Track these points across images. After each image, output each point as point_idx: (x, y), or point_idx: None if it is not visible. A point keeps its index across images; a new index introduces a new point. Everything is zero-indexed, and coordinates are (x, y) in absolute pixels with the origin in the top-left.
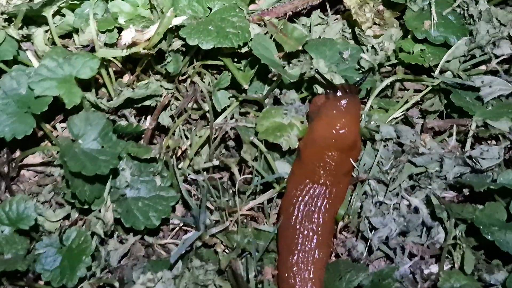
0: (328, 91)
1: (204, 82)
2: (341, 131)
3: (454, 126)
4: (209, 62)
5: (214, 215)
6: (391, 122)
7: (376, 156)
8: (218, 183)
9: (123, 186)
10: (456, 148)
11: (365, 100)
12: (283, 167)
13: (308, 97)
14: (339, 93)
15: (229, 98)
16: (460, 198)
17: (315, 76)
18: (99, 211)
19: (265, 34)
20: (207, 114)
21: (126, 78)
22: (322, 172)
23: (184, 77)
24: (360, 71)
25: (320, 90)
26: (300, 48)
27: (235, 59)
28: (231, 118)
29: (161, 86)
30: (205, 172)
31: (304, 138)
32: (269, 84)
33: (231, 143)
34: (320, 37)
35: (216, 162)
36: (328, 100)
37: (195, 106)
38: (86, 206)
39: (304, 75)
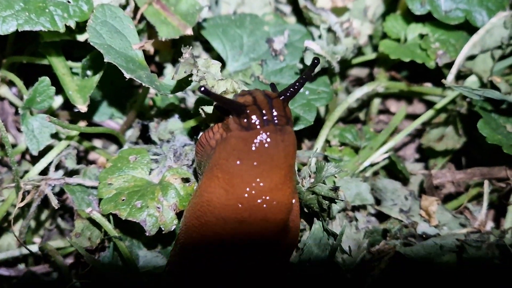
0: (228, 115)
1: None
2: (255, 201)
3: (485, 182)
4: (22, 60)
5: None
6: (365, 174)
7: (331, 245)
8: (42, 282)
9: None
10: (487, 223)
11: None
12: (151, 265)
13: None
14: (249, 120)
15: (51, 135)
16: None
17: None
18: None
19: (123, 6)
20: (28, 156)
21: None
22: (220, 281)
23: None
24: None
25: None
26: (190, 32)
27: (70, 55)
28: (57, 169)
29: None
30: (22, 264)
31: (188, 214)
32: (131, 103)
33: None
34: (235, 12)
35: (24, 250)
36: (229, 136)
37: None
38: None
39: (188, 85)
